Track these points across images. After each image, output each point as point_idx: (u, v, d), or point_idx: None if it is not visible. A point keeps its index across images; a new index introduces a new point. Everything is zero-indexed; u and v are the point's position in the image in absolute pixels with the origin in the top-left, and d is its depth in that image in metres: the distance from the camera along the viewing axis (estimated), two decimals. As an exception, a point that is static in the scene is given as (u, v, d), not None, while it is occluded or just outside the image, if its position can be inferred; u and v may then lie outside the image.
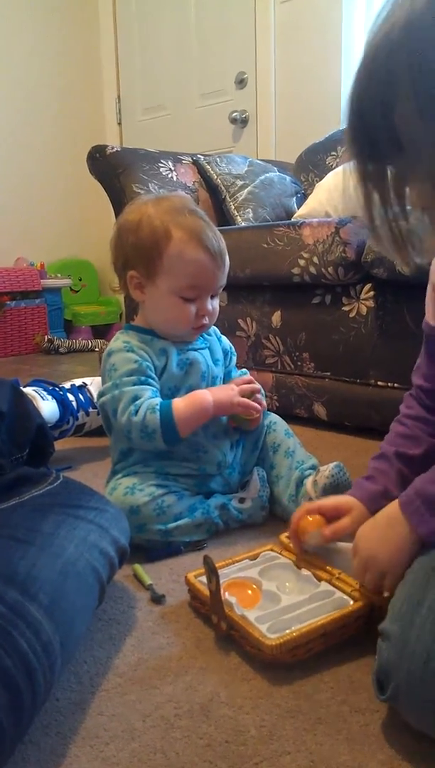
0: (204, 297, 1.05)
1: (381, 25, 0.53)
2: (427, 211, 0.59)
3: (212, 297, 1.07)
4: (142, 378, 1.03)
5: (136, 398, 1.00)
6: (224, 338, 1.18)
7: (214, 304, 1.07)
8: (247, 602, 0.78)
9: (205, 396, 1.02)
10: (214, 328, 1.17)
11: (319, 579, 0.81)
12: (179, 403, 1.01)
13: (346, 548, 0.82)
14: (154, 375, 1.04)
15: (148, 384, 1.03)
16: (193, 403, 1.01)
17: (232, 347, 1.19)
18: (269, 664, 0.71)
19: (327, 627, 0.72)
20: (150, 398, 1.01)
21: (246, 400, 1.05)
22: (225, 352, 1.17)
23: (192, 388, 1.07)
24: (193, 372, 1.07)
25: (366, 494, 0.84)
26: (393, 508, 0.72)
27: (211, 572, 0.76)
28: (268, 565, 0.87)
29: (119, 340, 1.08)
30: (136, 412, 0.99)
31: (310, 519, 0.84)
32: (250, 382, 1.09)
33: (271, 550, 0.90)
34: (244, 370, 1.20)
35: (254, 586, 0.82)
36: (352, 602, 0.75)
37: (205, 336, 1.14)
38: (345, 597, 0.76)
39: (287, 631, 0.71)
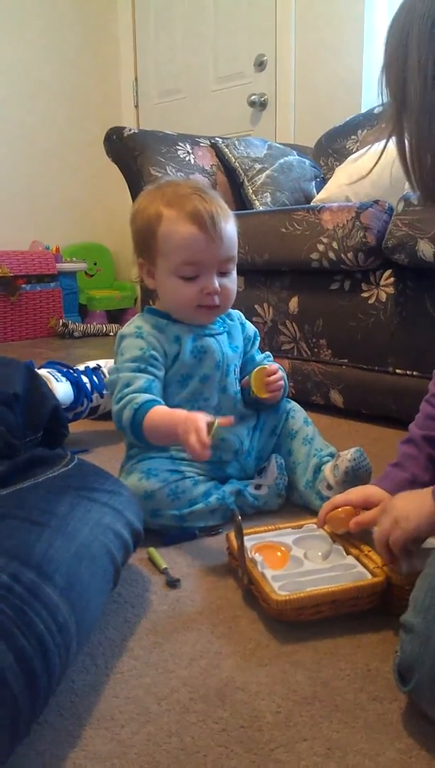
0: (206, 274, 1.02)
1: None
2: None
3: (223, 275, 1.04)
4: (143, 366, 1.02)
5: (126, 385, 1.00)
6: (249, 324, 1.17)
7: (224, 283, 1.03)
8: (274, 563, 0.82)
9: (180, 421, 0.90)
10: (237, 313, 1.15)
11: (348, 553, 0.84)
12: (158, 412, 0.95)
13: None
14: (158, 364, 1.03)
15: (147, 372, 1.01)
16: (169, 421, 0.93)
17: (257, 332, 1.18)
18: (276, 619, 0.75)
19: (337, 595, 0.74)
20: (138, 389, 0.98)
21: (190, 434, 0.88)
22: (247, 339, 1.15)
23: (205, 376, 1.06)
24: (207, 360, 1.06)
25: (393, 485, 0.85)
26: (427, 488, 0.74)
27: (238, 530, 0.81)
28: (305, 535, 0.90)
29: (133, 324, 1.07)
30: (120, 401, 0.99)
31: (340, 511, 0.86)
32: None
33: (316, 523, 0.93)
34: (267, 353, 1.18)
35: (284, 549, 0.86)
36: (370, 577, 0.77)
37: (226, 320, 1.12)
38: (364, 572, 0.78)
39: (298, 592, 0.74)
